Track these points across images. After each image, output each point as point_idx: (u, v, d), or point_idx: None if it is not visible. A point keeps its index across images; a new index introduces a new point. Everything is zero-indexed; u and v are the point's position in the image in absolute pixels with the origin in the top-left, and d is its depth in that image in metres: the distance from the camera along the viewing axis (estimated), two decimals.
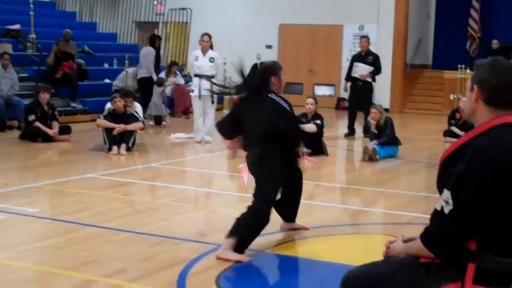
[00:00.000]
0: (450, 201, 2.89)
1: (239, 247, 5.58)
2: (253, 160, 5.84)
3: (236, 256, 5.49)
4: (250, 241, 5.65)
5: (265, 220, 5.69)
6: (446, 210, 2.91)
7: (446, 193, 2.92)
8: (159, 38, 17.70)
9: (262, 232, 5.77)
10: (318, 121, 11.39)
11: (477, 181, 2.85)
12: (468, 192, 2.87)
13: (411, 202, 8.24)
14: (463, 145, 2.99)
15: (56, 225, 6.65)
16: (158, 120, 15.73)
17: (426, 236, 3.02)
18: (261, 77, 5.80)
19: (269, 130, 5.71)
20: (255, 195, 5.76)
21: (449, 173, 2.96)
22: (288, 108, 5.76)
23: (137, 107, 12.09)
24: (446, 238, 2.93)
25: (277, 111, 5.73)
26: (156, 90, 16.16)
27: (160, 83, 16.43)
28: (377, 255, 4.97)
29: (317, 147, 11.22)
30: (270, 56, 19.40)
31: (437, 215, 2.96)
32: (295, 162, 6.01)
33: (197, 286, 4.95)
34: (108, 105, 11.61)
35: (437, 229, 2.96)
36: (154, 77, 16.11)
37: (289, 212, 6.40)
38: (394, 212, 7.66)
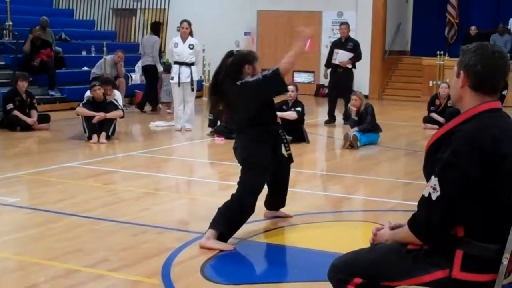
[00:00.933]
0: (438, 188, 2.89)
1: (223, 236, 5.56)
2: (237, 147, 5.80)
3: (219, 245, 5.47)
4: (234, 231, 5.63)
5: (250, 211, 5.67)
6: (434, 196, 2.91)
7: (434, 180, 2.91)
8: (161, 25, 17.51)
9: (247, 219, 5.75)
10: (299, 108, 11.38)
11: (464, 167, 2.85)
12: (455, 178, 2.87)
13: (392, 189, 8.27)
14: (449, 131, 2.99)
15: (36, 215, 6.59)
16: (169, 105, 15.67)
17: (414, 223, 3.01)
18: (235, 66, 5.75)
19: (247, 118, 5.67)
20: (240, 184, 5.72)
21: (435, 160, 2.96)
22: (252, 79, 5.63)
23: (117, 95, 12.02)
24: (434, 224, 2.93)
25: (246, 92, 5.63)
26: (166, 77, 16.16)
27: (169, 69, 16.41)
28: (359, 242, 4.98)
29: (298, 134, 11.21)
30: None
31: (424, 201, 2.96)
32: (282, 144, 5.93)
33: (182, 275, 4.93)
34: (88, 93, 11.52)
35: (425, 215, 2.96)
36: (159, 66, 16.02)
37: (275, 202, 6.39)
38: (376, 199, 7.68)
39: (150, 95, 16.04)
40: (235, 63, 5.77)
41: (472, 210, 2.90)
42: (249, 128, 5.69)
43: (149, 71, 16.05)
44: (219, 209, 5.64)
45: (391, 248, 3.11)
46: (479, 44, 3.06)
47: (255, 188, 5.69)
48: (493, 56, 2.99)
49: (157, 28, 16.96)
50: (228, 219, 5.58)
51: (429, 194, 2.93)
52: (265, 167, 5.72)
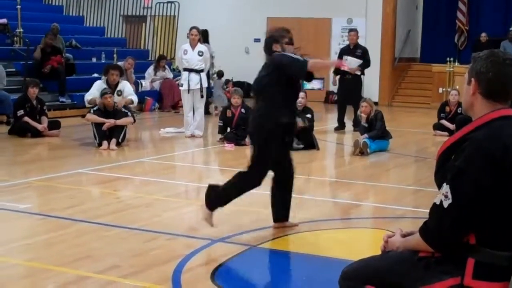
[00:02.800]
0: (449, 195, 2.88)
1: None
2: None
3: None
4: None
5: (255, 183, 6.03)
6: (445, 204, 2.90)
7: (445, 187, 2.91)
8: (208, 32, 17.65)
9: (255, 227, 5.76)
10: (309, 115, 11.38)
11: (476, 174, 2.84)
12: (467, 185, 2.86)
13: (401, 196, 8.25)
14: (461, 138, 2.98)
15: (47, 221, 6.60)
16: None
17: (425, 231, 3.01)
18: (266, 45, 6.32)
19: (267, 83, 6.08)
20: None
21: (447, 167, 2.95)
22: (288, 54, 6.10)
23: (127, 85, 12.04)
24: (445, 232, 2.93)
25: (277, 58, 6.13)
26: (217, 82, 16.81)
27: (220, 75, 17.31)
28: (369, 249, 4.98)
29: (308, 141, 11.21)
30: (258, 49, 19.36)
31: (436, 209, 2.95)
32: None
33: (192, 282, 4.93)
34: (89, 97, 11.50)
35: (436, 223, 2.95)
36: (211, 72, 16.45)
37: (280, 210, 6.36)
38: (385, 206, 7.66)
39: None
40: (266, 42, 6.34)
41: (484, 217, 2.88)
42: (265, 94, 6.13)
43: None
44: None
45: (403, 256, 3.10)
46: (491, 52, 3.05)
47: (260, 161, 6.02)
48: (505, 64, 2.98)
49: (206, 35, 17.01)
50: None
51: (441, 201, 2.92)
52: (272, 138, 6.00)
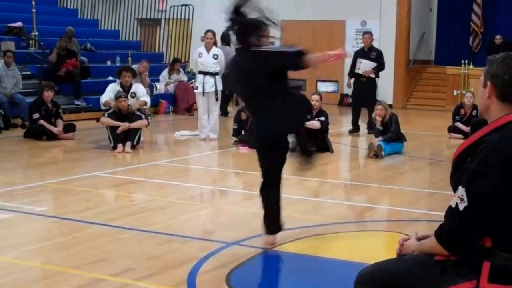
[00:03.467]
0: (465, 198, 2.87)
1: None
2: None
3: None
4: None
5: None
6: (461, 207, 2.89)
7: (461, 190, 2.89)
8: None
9: None
10: (322, 118, 11.37)
11: (492, 177, 2.83)
12: (482, 188, 2.85)
13: (416, 199, 8.23)
14: (476, 141, 2.97)
15: (62, 224, 6.64)
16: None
17: (441, 234, 3.00)
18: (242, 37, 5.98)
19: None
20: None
21: (463, 170, 2.94)
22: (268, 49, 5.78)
23: (139, 87, 12.10)
24: (461, 235, 2.91)
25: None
26: None
27: None
28: (384, 252, 4.97)
29: (322, 143, 11.20)
30: None
31: (451, 212, 2.94)
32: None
33: (207, 285, 4.94)
34: (104, 99, 11.55)
35: (452, 226, 2.94)
36: None
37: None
38: (400, 209, 7.64)
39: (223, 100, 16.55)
40: (244, 32, 5.98)
41: (500, 220, 2.87)
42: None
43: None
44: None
45: (418, 259, 3.09)
46: (506, 54, 3.04)
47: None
48: None
49: (228, 39, 17.09)
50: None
51: (457, 204, 2.91)
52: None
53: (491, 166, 2.84)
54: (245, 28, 5.85)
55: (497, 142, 2.88)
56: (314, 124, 11.17)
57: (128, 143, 11.10)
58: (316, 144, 10.96)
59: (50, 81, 13.54)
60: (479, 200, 2.85)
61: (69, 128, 12.64)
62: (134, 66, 16.00)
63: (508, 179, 2.82)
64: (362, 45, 15.11)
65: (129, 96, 11.57)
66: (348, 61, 15.49)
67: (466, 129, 12.85)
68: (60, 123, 12.48)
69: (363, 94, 14.14)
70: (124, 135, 11.18)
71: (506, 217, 2.86)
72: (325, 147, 11.24)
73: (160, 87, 17.80)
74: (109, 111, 11.38)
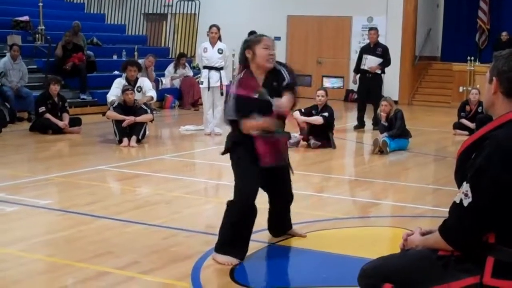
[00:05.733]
0: (469, 194, 2.88)
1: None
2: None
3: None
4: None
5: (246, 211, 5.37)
6: (465, 203, 2.90)
7: (465, 186, 2.91)
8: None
9: None
10: (325, 114, 11.36)
11: (496, 173, 2.84)
12: (487, 184, 2.86)
13: (421, 195, 8.23)
14: (481, 137, 2.98)
15: (68, 217, 6.66)
16: None
17: (445, 229, 3.01)
18: (241, 53, 5.50)
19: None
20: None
21: (467, 166, 2.95)
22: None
23: (145, 81, 12.11)
24: (465, 231, 2.93)
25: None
26: None
27: None
28: (388, 247, 4.98)
29: (325, 139, 11.20)
30: (278, 47, 19.37)
31: (456, 208, 2.95)
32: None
33: (211, 279, 4.96)
34: (111, 98, 11.56)
35: (456, 222, 2.95)
36: None
37: (277, 226, 5.97)
38: (405, 204, 7.65)
39: None
40: (241, 50, 5.50)
41: (504, 216, 2.88)
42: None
43: None
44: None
45: (422, 254, 3.11)
46: None
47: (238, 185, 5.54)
48: None
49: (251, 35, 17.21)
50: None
51: (461, 200, 2.92)
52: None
53: (495, 162, 2.85)
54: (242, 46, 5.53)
55: (502, 138, 2.89)
56: (317, 119, 11.19)
57: (134, 137, 11.12)
58: (319, 139, 11.01)
59: (57, 75, 13.56)
60: (483, 196, 2.87)
61: (75, 122, 12.67)
62: (140, 61, 16.02)
63: None
64: (368, 41, 15.09)
65: (135, 90, 11.59)
66: (354, 57, 15.49)
67: (471, 125, 12.84)
68: (66, 117, 12.51)
69: (368, 90, 14.14)
70: (130, 129, 11.20)
71: (510, 213, 2.87)
72: (328, 143, 11.24)
73: (165, 82, 17.82)
74: (114, 105, 11.40)
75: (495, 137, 2.91)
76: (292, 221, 6.08)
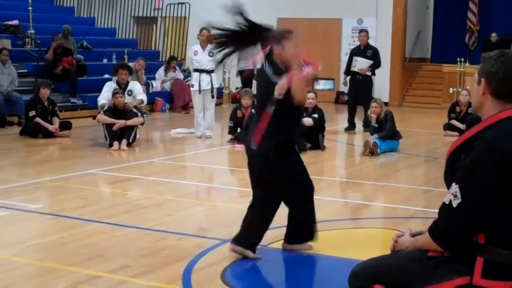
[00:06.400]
0: (459, 195, 2.90)
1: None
2: None
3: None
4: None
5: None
6: (454, 203, 2.91)
7: (455, 187, 2.92)
8: None
9: None
10: (315, 115, 11.37)
11: (485, 174, 2.86)
12: (476, 185, 2.87)
13: (412, 196, 8.24)
14: (470, 138, 2.99)
15: (58, 221, 6.64)
16: None
17: (435, 230, 3.02)
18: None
19: None
20: None
21: (457, 167, 2.97)
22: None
23: (136, 85, 12.10)
24: (455, 231, 2.94)
25: None
26: None
27: None
28: (379, 249, 4.98)
29: (315, 141, 11.20)
30: None
31: (445, 208, 2.96)
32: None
33: (202, 282, 4.95)
34: (102, 101, 11.54)
35: (446, 222, 2.96)
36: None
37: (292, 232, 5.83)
38: (396, 206, 7.66)
39: None
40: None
41: (493, 217, 2.89)
42: None
43: (246, 75, 17.34)
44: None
45: (412, 255, 3.11)
46: (501, 52, 3.06)
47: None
48: None
49: None
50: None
51: (450, 201, 2.93)
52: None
53: (484, 163, 2.86)
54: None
55: (491, 139, 2.91)
56: (307, 121, 11.19)
57: (124, 141, 11.10)
58: (309, 141, 11.01)
59: (47, 79, 13.53)
60: (473, 197, 2.88)
61: (65, 125, 12.64)
62: (130, 64, 16.03)
63: (501, 176, 2.84)
64: (358, 43, 15.12)
65: (125, 94, 11.57)
66: (344, 59, 15.50)
67: (461, 126, 12.89)
68: (56, 120, 12.49)
69: (359, 92, 14.17)
70: (120, 133, 11.18)
71: (499, 213, 2.89)
72: (317, 144, 11.24)
73: (156, 85, 17.81)
74: (104, 108, 11.38)
75: (484, 138, 2.93)
76: (282, 223, 6.08)
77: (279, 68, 5.30)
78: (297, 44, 5.37)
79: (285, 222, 6.04)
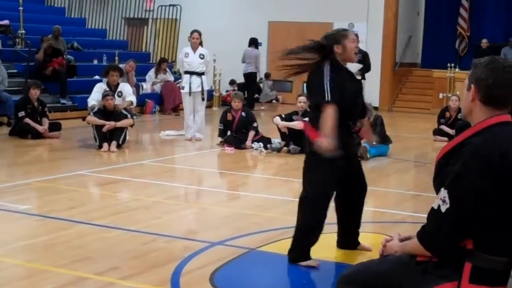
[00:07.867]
0: (447, 200, 2.90)
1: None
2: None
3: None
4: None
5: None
6: (443, 208, 2.92)
7: (443, 192, 2.93)
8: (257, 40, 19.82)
9: (254, 230, 5.74)
10: (306, 119, 11.36)
11: (474, 180, 2.86)
12: (464, 191, 2.88)
13: (401, 201, 8.26)
14: (459, 144, 3.00)
15: (47, 222, 6.62)
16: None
17: (423, 235, 3.02)
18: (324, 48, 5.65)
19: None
20: None
21: (445, 172, 2.97)
22: (325, 80, 5.52)
23: (126, 86, 12.09)
24: (443, 237, 2.94)
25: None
26: (265, 83, 20.56)
27: (268, 76, 20.51)
28: (368, 253, 4.99)
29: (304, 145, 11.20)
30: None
31: (434, 214, 2.97)
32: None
33: (191, 284, 4.94)
34: (91, 103, 11.53)
35: (434, 228, 2.97)
36: (261, 74, 19.83)
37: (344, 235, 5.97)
38: (385, 210, 7.67)
39: (249, 96, 18.34)
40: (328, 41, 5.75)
41: (481, 223, 2.90)
42: None
43: (251, 77, 19.02)
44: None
45: (400, 260, 3.12)
46: (491, 58, 3.07)
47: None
48: (505, 71, 3.00)
49: (255, 42, 19.42)
50: None
51: (439, 206, 2.94)
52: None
53: (473, 169, 2.87)
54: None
55: (479, 145, 2.92)
56: (298, 124, 11.19)
57: (114, 142, 11.08)
58: (300, 145, 11.01)
59: (37, 80, 13.49)
60: (461, 202, 2.89)
61: (55, 126, 12.59)
62: (121, 66, 16.00)
63: (489, 182, 2.85)
64: None
65: (115, 96, 11.56)
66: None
67: (451, 132, 12.92)
68: (45, 121, 12.44)
69: None
70: (110, 134, 11.16)
71: (487, 219, 2.90)
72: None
73: (146, 87, 17.79)
74: (94, 110, 11.36)
75: (472, 143, 2.94)
76: (272, 227, 6.09)
77: (340, 65, 5.68)
78: (354, 39, 5.76)
79: (274, 226, 6.06)
